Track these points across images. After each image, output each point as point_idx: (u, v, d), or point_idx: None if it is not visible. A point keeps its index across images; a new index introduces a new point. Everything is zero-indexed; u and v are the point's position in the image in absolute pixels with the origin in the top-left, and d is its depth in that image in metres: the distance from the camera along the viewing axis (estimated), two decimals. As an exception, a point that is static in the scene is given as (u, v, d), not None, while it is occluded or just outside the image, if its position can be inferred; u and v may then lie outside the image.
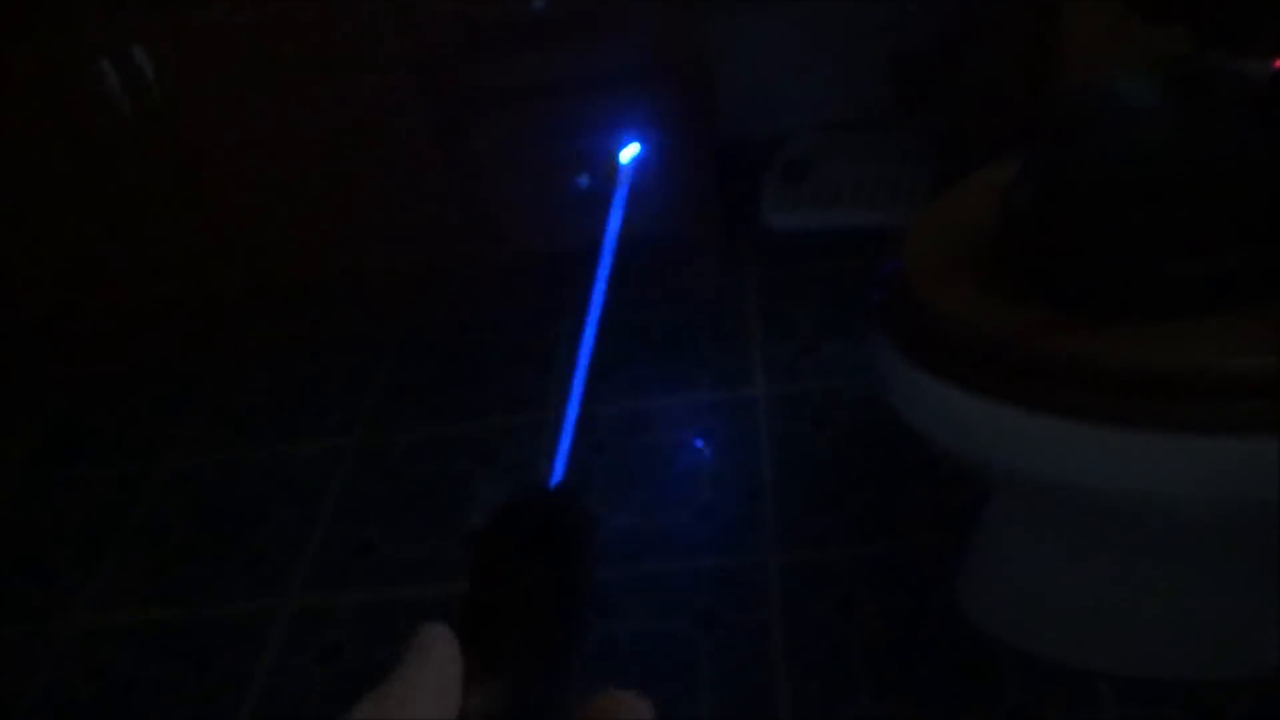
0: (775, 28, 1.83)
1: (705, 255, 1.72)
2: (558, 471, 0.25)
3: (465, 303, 1.75)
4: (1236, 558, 0.94)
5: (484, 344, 1.71)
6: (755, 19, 1.82)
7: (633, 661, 1.16)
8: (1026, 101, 1.20)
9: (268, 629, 1.29)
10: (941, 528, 1.23)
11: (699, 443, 1.46)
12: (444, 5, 1.45)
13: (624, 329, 1.68)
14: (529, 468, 1.45)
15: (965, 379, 0.77)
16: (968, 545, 1.13)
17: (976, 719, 1.03)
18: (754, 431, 1.45)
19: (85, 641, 1.33)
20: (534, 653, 0.24)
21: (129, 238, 1.64)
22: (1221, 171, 0.68)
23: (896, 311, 0.84)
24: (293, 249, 1.66)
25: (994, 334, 0.75)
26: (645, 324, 1.68)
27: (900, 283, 0.84)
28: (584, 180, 1.62)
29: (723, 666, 1.14)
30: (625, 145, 0.26)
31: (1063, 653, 1.05)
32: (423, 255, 1.66)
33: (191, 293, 1.71)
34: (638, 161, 0.26)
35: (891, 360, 0.84)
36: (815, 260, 1.74)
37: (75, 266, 1.68)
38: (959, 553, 1.15)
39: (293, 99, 1.52)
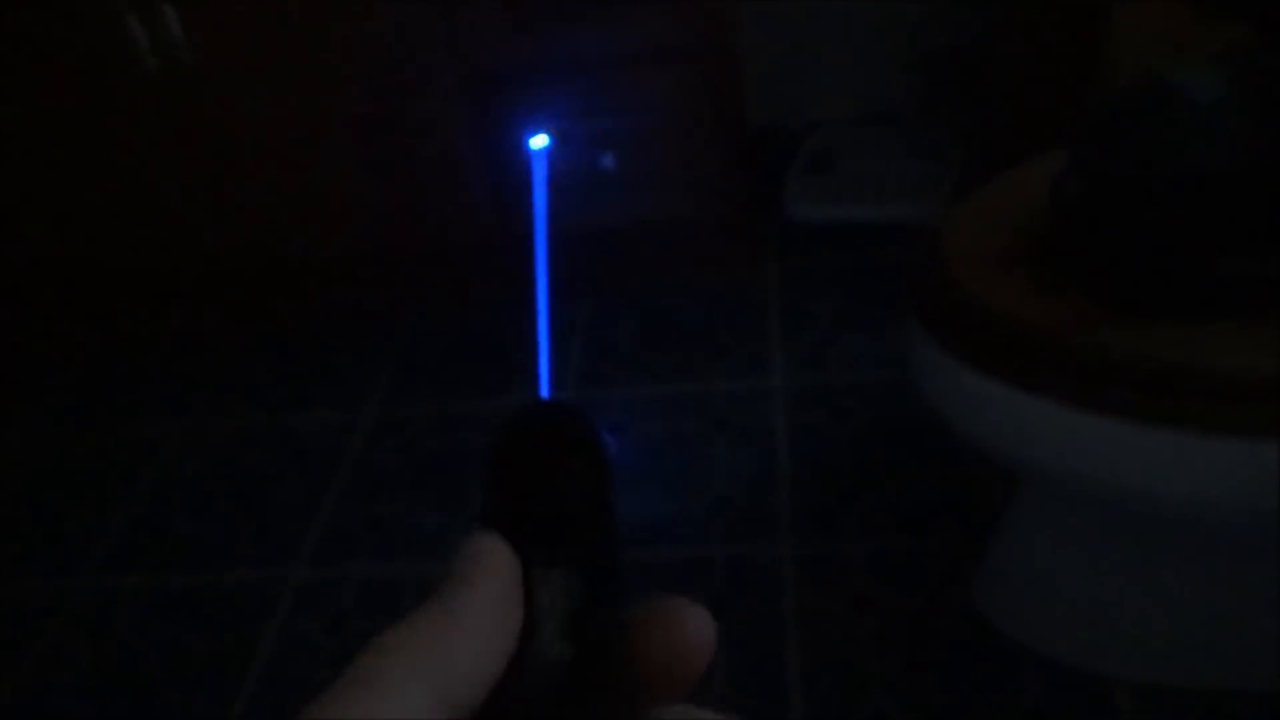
0: (806, 18, 1.81)
1: (727, 243, 1.71)
2: (544, 387, 0.25)
3: (486, 280, 1.74)
4: (1264, 568, 0.93)
5: (502, 322, 1.70)
6: (787, 9, 1.80)
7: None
8: (1069, 97, 1.18)
9: (276, 598, 1.29)
10: (960, 526, 1.22)
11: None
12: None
13: (642, 314, 1.67)
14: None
15: (1006, 373, 0.75)
16: (987, 545, 1.12)
17: (990, 718, 1.02)
18: (771, 422, 1.44)
19: (93, 601, 1.33)
20: (589, 529, 0.22)
21: (151, 202, 1.63)
22: (1280, 171, 0.67)
23: (935, 303, 0.83)
24: (314, 220, 1.64)
25: (1038, 328, 0.74)
26: (664, 309, 1.67)
27: (940, 275, 0.83)
28: (607, 160, 1.61)
29: (734, 656, 1.13)
30: (534, 134, 0.26)
31: (1081, 658, 1.04)
32: (446, 231, 1.64)
33: (212, 260, 1.70)
34: (547, 151, 0.26)
35: (928, 352, 0.82)
36: (837, 253, 1.73)
37: (96, 229, 1.66)
38: (978, 552, 1.14)
39: (321, 70, 1.50)
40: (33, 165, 1.61)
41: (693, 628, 0.21)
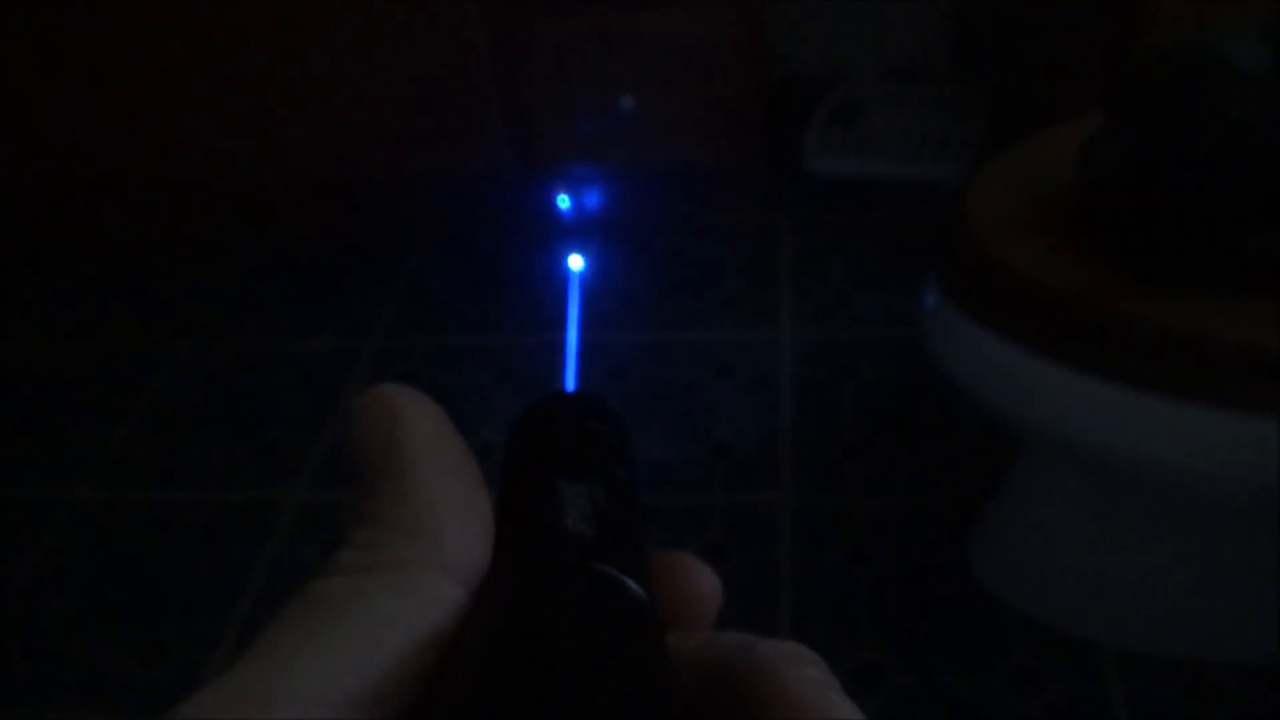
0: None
1: (744, 191, 1.69)
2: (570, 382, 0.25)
3: (498, 214, 1.72)
4: (1258, 542, 0.93)
5: (513, 258, 1.69)
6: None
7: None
8: (1104, 60, 1.16)
9: (274, 519, 1.29)
10: (959, 487, 1.22)
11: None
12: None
13: (654, 257, 1.65)
14: (545, 387, 1.44)
15: (1024, 337, 0.75)
16: (985, 507, 1.12)
17: (976, 677, 1.03)
18: (776, 374, 1.43)
19: (90, 513, 1.33)
20: (609, 463, 0.22)
21: (168, 115, 1.61)
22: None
23: (956, 263, 0.82)
24: (330, 140, 1.62)
25: (1061, 293, 0.73)
26: (676, 254, 1.66)
27: (963, 235, 0.82)
28: (627, 104, 1.58)
29: (727, 601, 1.13)
30: (572, 254, 0.26)
31: (1069, 622, 1.05)
32: (461, 161, 1.62)
33: (226, 177, 1.68)
34: (585, 272, 0.26)
35: (945, 312, 0.81)
36: (855, 209, 1.71)
37: (111, 139, 1.64)
38: (975, 513, 1.14)
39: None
40: (46, 69, 1.59)
41: (699, 579, 0.20)
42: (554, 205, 0.29)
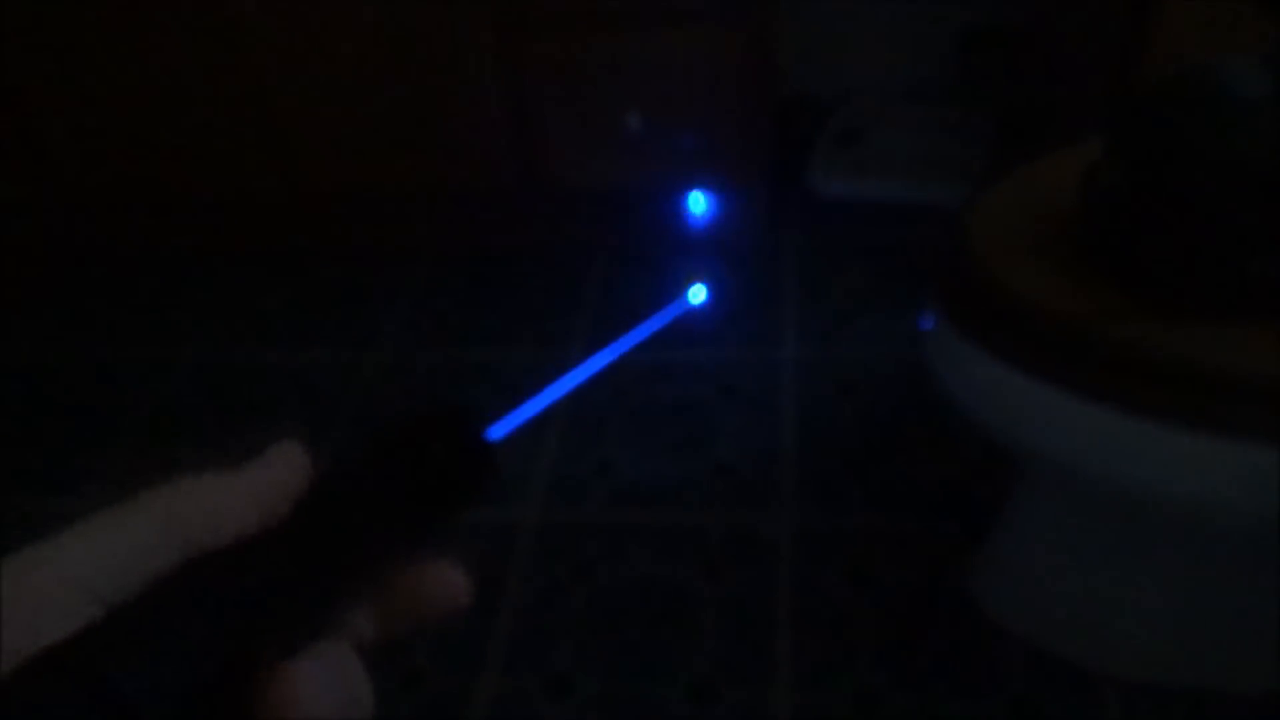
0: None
1: (749, 210, 1.69)
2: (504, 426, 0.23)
3: (504, 229, 1.73)
4: (1259, 571, 0.92)
5: (519, 274, 1.69)
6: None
7: (635, 604, 1.15)
8: (1109, 86, 1.16)
9: (273, 531, 1.29)
10: (962, 510, 1.22)
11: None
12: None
13: (658, 274, 1.65)
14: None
15: (1026, 361, 0.75)
16: (987, 531, 1.11)
17: (976, 704, 1.02)
18: (779, 393, 1.43)
19: (90, 522, 1.33)
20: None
21: (175, 125, 1.62)
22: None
23: (958, 286, 0.82)
24: (338, 153, 1.63)
25: (1062, 318, 0.73)
26: (680, 272, 1.66)
27: (966, 258, 0.82)
28: (633, 121, 1.59)
29: (725, 620, 1.13)
30: (695, 286, 0.25)
31: (1070, 649, 1.04)
32: (467, 175, 1.63)
33: (233, 188, 1.69)
34: (704, 305, 0.25)
35: (947, 335, 0.81)
36: (860, 229, 1.71)
37: (120, 147, 1.65)
38: (977, 537, 1.13)
39: (349, 5, 1.48)
40: (54, 77, 1.60)
41: (437, 580, 0.23)
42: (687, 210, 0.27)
